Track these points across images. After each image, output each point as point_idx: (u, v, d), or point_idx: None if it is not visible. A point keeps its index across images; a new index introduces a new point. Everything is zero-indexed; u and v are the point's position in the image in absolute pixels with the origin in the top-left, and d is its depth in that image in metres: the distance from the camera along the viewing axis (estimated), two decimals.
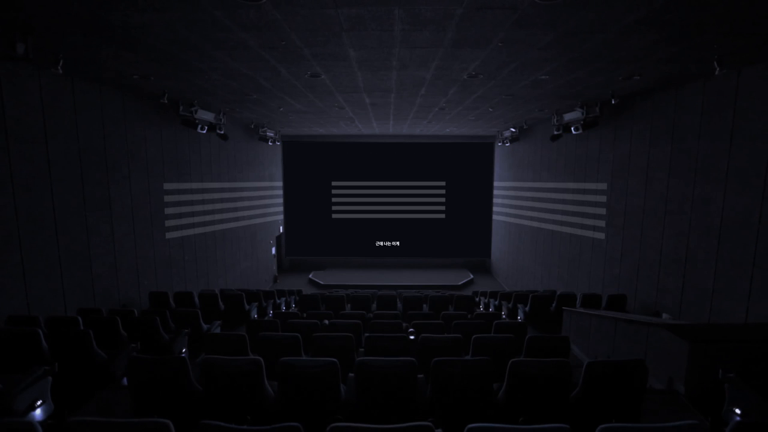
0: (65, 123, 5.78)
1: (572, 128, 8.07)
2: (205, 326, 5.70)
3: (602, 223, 8.41)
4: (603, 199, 8.36)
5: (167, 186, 8.31)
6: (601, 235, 8.44)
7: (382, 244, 15.99)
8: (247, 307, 7.06)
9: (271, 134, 11.92)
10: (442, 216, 15.90)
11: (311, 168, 15.68)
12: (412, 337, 4.55)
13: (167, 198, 8.33)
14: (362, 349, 4.36)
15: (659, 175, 6.70)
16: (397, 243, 15.94)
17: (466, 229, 15.90)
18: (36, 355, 3.66)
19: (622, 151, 7.68)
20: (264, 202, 13.37)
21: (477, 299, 9.05)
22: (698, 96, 5.83)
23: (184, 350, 4.99)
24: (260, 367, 2.92)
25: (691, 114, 5.96)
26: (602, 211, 8.41)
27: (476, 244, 15.93)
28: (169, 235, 8.42)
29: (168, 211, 8.38)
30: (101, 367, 3.78)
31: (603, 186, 8.36)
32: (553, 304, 7.29)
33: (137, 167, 7.36)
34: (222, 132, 8.81)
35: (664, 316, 6.46)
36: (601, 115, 7.48)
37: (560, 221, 10.20)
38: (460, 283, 14.12)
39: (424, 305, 7.64)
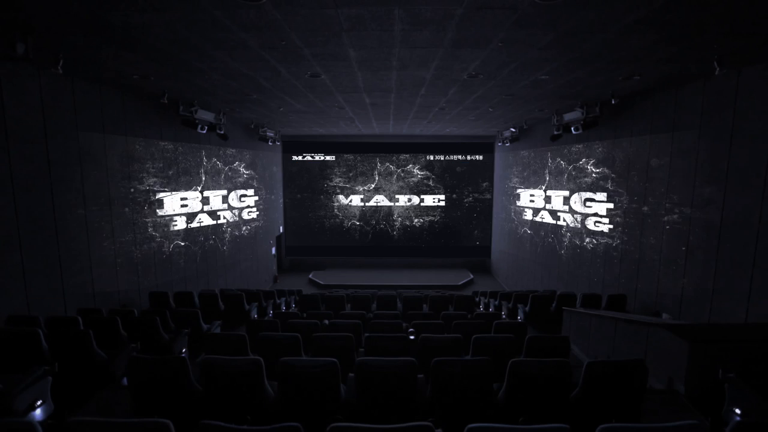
0: (65, 123, 5.78)
1: (572, 128, 8.07)
2: (205, 326, 5.70)
3: (603, 224, 8.41)
4: (603, 198, 8.36)
5: (167, 186, 8.31)
6: (602, 235, 8.43)
7: (382, 243, 16.00)
8: (247, 307, 7.06)
9: (271, 134, 11.91)
10: (443, 216, 15.89)
11: (311, 168, 15.67)
12: (412, 337, 4.54)
13: (167, 198, 8.33)
14: (362, 349, 4.35)
15: (659, 175, 6.71)
16: (396, 236, 15.94)
17: (466, 229, 15.90)
18: (36, 355, 3.66)
19: (622, 151, 7.68)
20: (264, 202, 13.36)
21: (477, 299, 9.04)
22: (698, 96, 5.83)
23: (184, 350, 4.99)
24: (260, 367, 2.92)
25: (691, 114, 5.96)
26: (603, 211, 8.41)
27: (476, 244, 15.93)
28: (169, 235, 8.42)
29: (168, 210, 8.38)
30: (101, 367, 3.78)
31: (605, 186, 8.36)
32: (553, 304, 7.29)
33: (137, 167, 7.36)
34: (222, 132, 8.81)
35: (664, 316, 6.46)
36: (601, 115, 7.48)
37: (560, 221, 10.20)
38: (460, 283, 14.11)
39: (424, 305, 7.64)
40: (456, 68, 5.35)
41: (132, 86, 6.53)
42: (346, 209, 15.92)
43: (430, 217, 15.94)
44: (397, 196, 15.83)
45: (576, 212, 9.44)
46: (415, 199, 15.83)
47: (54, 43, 4.30)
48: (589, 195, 8.89)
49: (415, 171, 15.70)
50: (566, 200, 9.87)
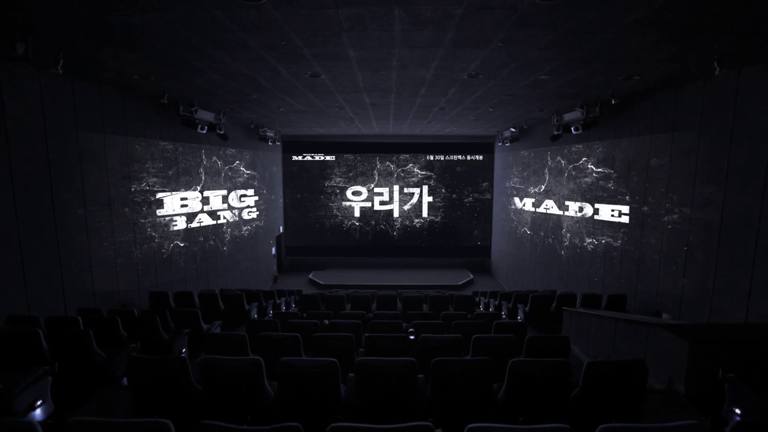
0: (65, 123, 5.78)
1: (572, 128, 8.06)
2: (205, 326, 5.70)
3: (603, 223, 8.41)
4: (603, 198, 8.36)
5: (167, 186, 8.31)
6: (602, 235, 8.43)
7: (382, 243, 16.00)
8: (247, 307, 7.05)
9: (271, 134, 11.90)
10: (443, 216, 15.89)
11: (311, 168, 15.67)
12: (412, 337, 4.54)
13: (167, 198, 8.32)
14: (362, 349, 4.35)
15: (659, 175, 6.70)
16: (396, 236, 15.94)
17: (466, 229, 15.90)
18: (36, 355, 3.66)
19: (622, 151, 7.68)
20: (264, 201, 13.36)
21: (477, 299, 9.04)
22: (698, 96, 5.83)
23: (184, 350, 4.99)
24: (260, 367, 2.92)
25: (691, 114, 5.96)
26: (603, 210, 8.41)
27: (476, 244, 15.93)
28: (169, 235, 8.41)
29: (168, 210, 8.38)
30: (101, 367, 3.78)
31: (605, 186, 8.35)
32: (553, 304, 7.29)
33: (137, 167, 7.36)
34: (222, 132, 8.81)
35: (664, 316, 6.46)
36: (601, 115, 7.48)
37: (560, 221, 10.20)
38: (460, 283, 14.11)
39: (424, 305, 7.64)
40: (456, 68, 5.34)
41: (132, 86, 6.53)
42: (346, 209, 15.92)
43: (431, 217, 15.94)
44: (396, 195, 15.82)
45: (575, 212, 9.43)
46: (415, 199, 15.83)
47: (54, 43, 4.30)
48: (588, 195, 8.89)
49: (415, 171, 15.70)
50: (566, 200, 9.87)
